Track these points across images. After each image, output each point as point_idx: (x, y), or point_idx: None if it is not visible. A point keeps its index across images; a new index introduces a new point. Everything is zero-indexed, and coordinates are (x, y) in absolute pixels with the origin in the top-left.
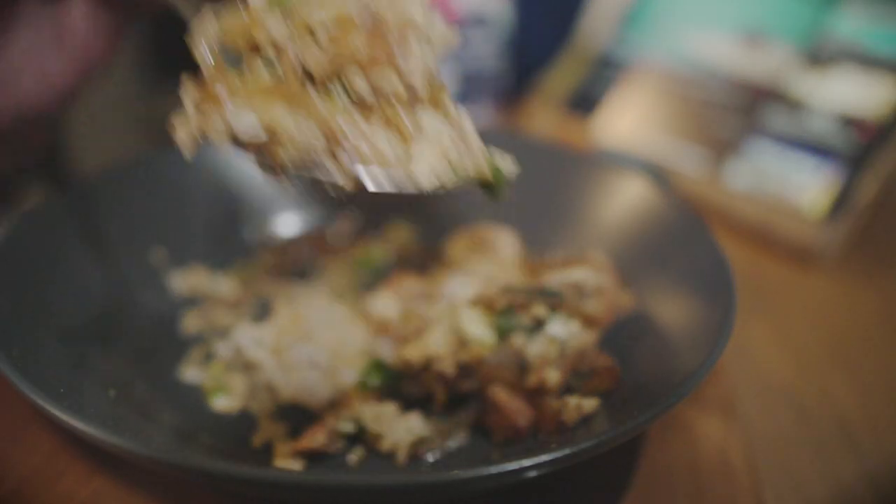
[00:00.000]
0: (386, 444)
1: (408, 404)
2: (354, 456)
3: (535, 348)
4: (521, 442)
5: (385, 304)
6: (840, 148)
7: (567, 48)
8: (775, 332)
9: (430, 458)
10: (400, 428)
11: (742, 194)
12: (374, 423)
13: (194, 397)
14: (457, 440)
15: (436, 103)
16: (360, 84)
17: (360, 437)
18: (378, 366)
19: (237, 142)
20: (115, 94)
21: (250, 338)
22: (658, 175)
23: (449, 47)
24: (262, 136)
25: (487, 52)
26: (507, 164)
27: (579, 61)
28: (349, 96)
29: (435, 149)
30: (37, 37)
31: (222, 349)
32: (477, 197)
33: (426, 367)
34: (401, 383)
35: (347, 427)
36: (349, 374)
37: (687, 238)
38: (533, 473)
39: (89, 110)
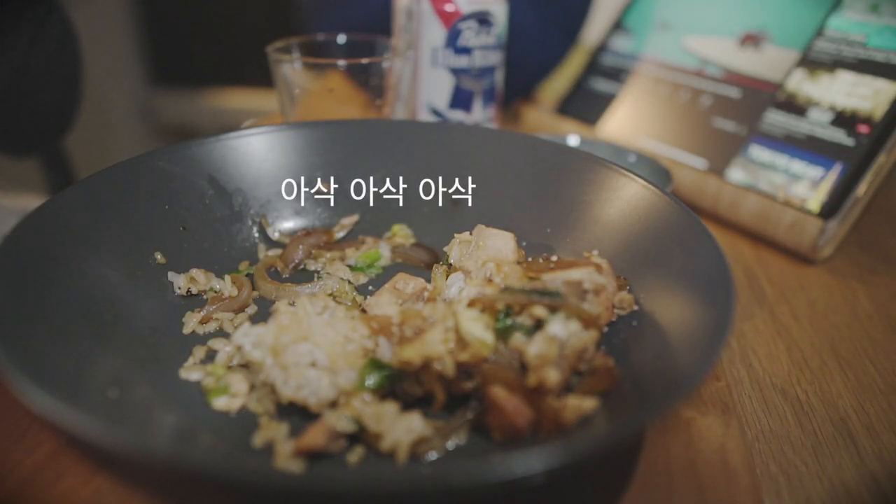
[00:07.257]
0: (386, 444)
1: (408, 404)
2: (354, 456)
3: (535, 348)
4: (520, 442)
5: (385, 304)
6: (838, 147)
7: (570, 54)
8: (775, 332)
9: (430, 457)
10: (400, 428)
11: (741, 194)
12: (374, 423)
13: (195, 397)
14: (457, 440)
15: None
16: None
17: (360, 437)
18: (378, 366)
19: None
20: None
21: (250, 338)
22: (659, 175)
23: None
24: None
25: (487, 50)
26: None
27: (580, 64)
28: None
29: None
30: None
31: (222, 349)
32: (477, 198)
33: (426, 367)
34: (401, 383)
35: (347, 427)
36: (349, 374)
37: (687, 238)
38: (536, 481)
39: (91, 111)
